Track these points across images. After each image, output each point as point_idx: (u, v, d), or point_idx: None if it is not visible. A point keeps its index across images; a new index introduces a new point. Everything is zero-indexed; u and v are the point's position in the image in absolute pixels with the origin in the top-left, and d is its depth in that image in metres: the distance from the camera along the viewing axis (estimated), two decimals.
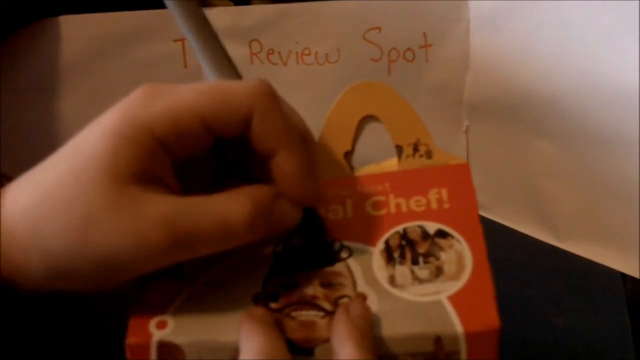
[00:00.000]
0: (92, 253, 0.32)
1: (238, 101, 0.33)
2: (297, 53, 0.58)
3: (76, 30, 0.56)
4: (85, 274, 0.33)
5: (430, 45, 0.58)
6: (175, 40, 0.57)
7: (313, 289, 0.36)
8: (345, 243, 0.38)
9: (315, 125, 0.42)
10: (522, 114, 0.57)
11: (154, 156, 0.33)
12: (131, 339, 0.34)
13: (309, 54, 0.58)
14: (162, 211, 0.32)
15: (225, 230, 0.33)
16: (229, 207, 0.33)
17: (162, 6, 0.56)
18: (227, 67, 0.37)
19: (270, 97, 0.34)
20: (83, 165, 0.33)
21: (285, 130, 0.34)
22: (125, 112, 0.33)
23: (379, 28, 0.58)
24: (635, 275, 0.54)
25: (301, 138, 0.36)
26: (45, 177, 0.34)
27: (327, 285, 0.36)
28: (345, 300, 0.35)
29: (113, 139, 0.32)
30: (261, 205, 0.33)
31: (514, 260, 0.58)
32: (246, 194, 0.34)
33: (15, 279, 0.34)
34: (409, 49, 0.58)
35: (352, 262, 0.37)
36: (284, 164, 0.34)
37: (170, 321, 0.34)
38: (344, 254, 0.37)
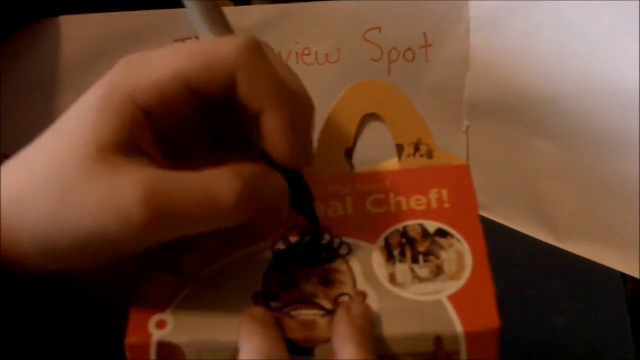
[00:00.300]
0: (72, 226, 0.31)
1: (221, 60, 0.32)
2: (297, 53, 0.58)
3: (76, 30, 0.56)
4: (70, 250, 0.32)
5: (430, 45, 0.58)
6: (175, 40, 0.57)
7: (313, 287, 0.36)
8: (345, 240, 0.38)
9: (315, 125, 0.42)
10: (522, 114, 0.57)
11: (138, 126, 0.32)
12: (131, 339, 0.34)
13: (309, 54, 0.58)
14: (145, 183, 0.31)
15: (214, 207, 0.32)
16: (218, 182, 0.32)
17: (162, 6, 0.56)
18: (218, 19, 0.36)
19: (256, 53, 0.32)
20: (68, 138, 0.32)
21: (271, 87, 0.33)
22: (108, 83, 0.33)
23: (379, 28, 0.58)
24: (635, 275, 0.54)
25: (295, 98, 0.34)
26: (34, 153, 0.34)
27: (327, 283, 0.36)
28: (345, 298, 0.35)
29: (96, 110, 0.32)
30: (251, 181, 0.32)
31: (514, 260, 0.58)
32: (234, 169, 0.32)
33: (11, 261, 0.33)
34: (409, 49, 0.58)
35: (351, 259, 0.37)
36: (269, 122, 0.33)
37: (170, 321, 0.34)
38: (343, 251, 0.37)
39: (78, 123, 0.33)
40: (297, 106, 0.35)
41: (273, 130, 0.33)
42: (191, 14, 0.36)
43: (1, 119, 0.56)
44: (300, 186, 0.37)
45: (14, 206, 0.33)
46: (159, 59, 0.33)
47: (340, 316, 0.33)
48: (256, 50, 0.33)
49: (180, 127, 0.34)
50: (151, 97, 0.32)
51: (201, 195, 0.31)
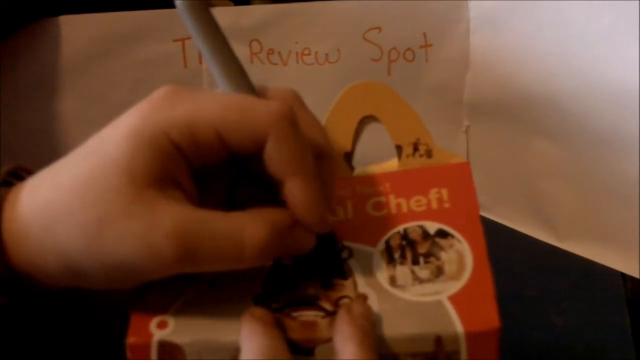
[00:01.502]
0: (104, 256, 0.32)
1: (256, 122, 0.33)
2: (297, 53, 0.58)
3: (76, 30, 0.56)
4: (97, 275, 0.33)
5: (430, 45, 0.58)
6: (175, 40, 0.57)
7: (313, 290, 0.36)
8: (346, 243, 0.38)
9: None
10: (522, 114, 0.57)
11: (171, 160, 0.33)
12: (132, 339, 0.34)
13: (309, 54, 0.58)
14: (176, 222, 0.32)
15: (238, 251, 0.32)
16: (245, 228, 0.33)
17: (162, 6, 0.56)
18: (242, 81, 0.36)
19: (289, 122, 0.33)
20: (102, 165, 0.33)
21: (297, 157, 0.33)
22: (144, 114, 0.33)
23: (379, 28, 0.58)
24: (635, 275, 0.54)
25: (319, 155, 0.35)
26: (64, 174, 0.34)
27: (328, 286, 0.36)
28: (345, 300, 0.35)
29: (131, 141, 0.32)
30: (278, 230, 0.33)
31: (514, 260, 0.58)
32: (264, 216, 0.33)
33: (32, 275, 0.34)
34: (409, 49, 0.58)
35: (352, 263, 0.37)
36: (295, 191, 0.34)
37: (171, 321, 0.34)
38: (344, 255, 0.37)
39: (109, 151, 0.33)
40: (324, 165, 0.36)
41: (298, 201, 0.34)
42: (215, 73, 0.36)
43: (1, 119, 0.56)
44: (329, 246, 0.37)
45: (43, 225, 0.33)
46: (198, 100, 0.33)
47: (342, 316, 0.33)
48: (290, 119, 0.33)
49: (211, 164, 0.35)
50: (183, 136, 0.33)
51: (230, 240, 0.32)
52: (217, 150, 0.33)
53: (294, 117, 0.33)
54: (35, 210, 0.33)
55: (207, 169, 0.35)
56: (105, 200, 0.32)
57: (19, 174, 0.37)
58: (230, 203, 0.35)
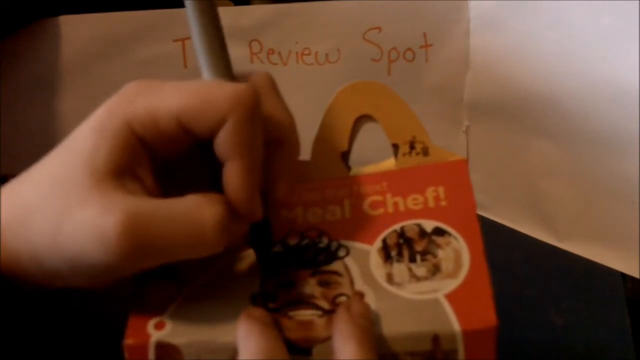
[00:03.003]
0: (65, 251, 0.32)
1: (215, 106, 0.33)
2: (297, 53, 0.58)
3: (76, 30, 0.56)
4: (63, 272, 0.33)
5: (430, 45, 0.58)
6: (175, 40, 0.57)
7: (310, 288, 0.36)
8: (343, 242, 0.38)
9: (315, 125, 0.42)
10: (522, 114, 0.57)
11: (133, 153, 0.33)
12: (129, 340, 0.34)
13: (309, 54, 0.58)
14: (128, 208, 0.31)
15: (199, 232, 0.32)
16: (204, 207, 0.32)
17: (162, 6, 0.56)
18: (222, 66, 0.36)
19: (247, 107, 0.33)
20: (69, 159, 0.33)
21: (244, 142, 0.33)
22: (111, 107, 0.33)
23: (379, 28, 0.58)
24: (635, 275, 0.54)
25: (279, 141, 0.35)
26: (39, 171, 0.34)
27: (325, 284, 0.36)
28: (342, 299, 0.35)
29: (96, 133, 0.33)
30: (229, 212, 0.33)
31: (514, 260, 0.58)
32: (216, 196, 0.33)
33: (9, 275, 0.34)
34: (409, 49, 0.58)
35: (349, 261, 0.37)
36: (229, 175, 0.33)
37: (169, 322, 0.34)
38: (341, 253, 0.37)
39: (78, 144, 0.33)
40: (280, 155, 0.36)
41: (228, 184, 0.34)
42: (198, 54, 0.36)
43: (1, 119, 0.56)
44: (261, 234, 0.37)
45: (18, 224, 0.33)
46: (160, 91, 0.33)
47: (341, 315, 0.33)
48: (248, 104, 0.33)
49: (178, 160, 0.35)
50: (145, 127, 0.33)
51: (185, 221, 0.32)
52: (180, 139, 0.33)
53: (253, 102, 0.33)
54: (10, 208, 0.34)
55: (173, 167, 0.35)
56: (67, 193, 0.32)
57: (7, 180, 0.37)
58: None
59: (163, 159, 0.34)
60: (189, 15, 0.35)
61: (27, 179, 0.35)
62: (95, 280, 0.34)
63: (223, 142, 0.33)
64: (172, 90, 0.33)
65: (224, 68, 0.36)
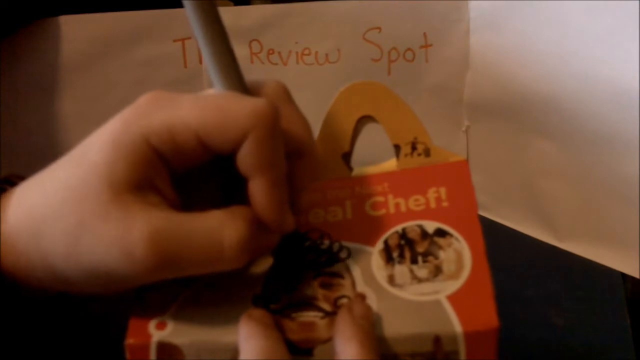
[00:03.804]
0: (83, 262, 0.32)
1: (235, 122, 0.32)
2: (297, 53, 0.58)
3: (76, 30, 0.56)
4: (80, 281, 0.33)
5: (430, 45, 0.58)
6: (175, 40, 0.57)
7: (312, 290, 0.36)
8: (344, 243, 0.38)
9: (315, 125, 0.42)
10: (522, 114, 0.57)
11: (151, 166, 0.33)
12: (131, 340, 0.34)
13: (309, 54, 0.58)
14: (152, 225, 0.32)
15: (218, 250, 0.32)
16: (224, 227, 0.32)
17: (162, 6, 0.56)
18: (235, 79, 0.35)
19: (268, 123, 0.32)
20: (84, 171, 0.33)
21: (266, 159, 0.33)
22: (127, 120, 0.33)
23: (379, 28, 0.58)
24: (635, 275, 0.54)
25: (299, 153, 0.35)
26: (51, 180, 0.34)
27: (326, 285, 0.36)
28: (344, 300, 0.35)
29: (112, 146, 0.33)
30: (252, 228, 0.33)
31: (514, 260, 0.58)
32: (242, 214, 0.33)
33: (19, 280, 0.34)
34: (409, 49, 0.58)
35: (351, 262, 0.37)
36: (255, 191, 0.33)
37: (170, 322, 0.34)
38: (342, 255, 0.37)
39: (91, 157, 0.33)
40: (302, 167, 0.35)
41: (256, 201, 0.33)
42: (209, 67, 0.36)
43: (1, 119, 0.56)
44: (291, 248, 0.37)
45: (30, 230, 0.33)
46: (177, 105, 0.33)
47: (343, 316, 0.33)
48: (270, 120, 0.33)
49: (195, 172, 0.35)
50: (162, 141, 0.33)
51: (207, 237, 0.32)
52: (198, 153, 0.33)
53: (273, 117, 0.33)
54: (22, 215, 0.34)
55: (192, 179, 0.35)
56: (85, 206, 0.32)
57: (12, 181, 0.37)
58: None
59: (181, 171, 0.34)
60: (197, 33, 0.35)
61: (37, 186, 0.34)
62: (111, 288, 0.34)
63: (245, 160, 0.33)
64: (189, 104, 0.33)
65: (237, 81, 0.35)
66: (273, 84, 0.36)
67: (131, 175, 0.32)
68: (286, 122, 0.34)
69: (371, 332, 0.33)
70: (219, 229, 0.32)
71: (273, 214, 0.33)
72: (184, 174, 0.34)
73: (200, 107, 0.33)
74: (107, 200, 0.32)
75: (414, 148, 0.42)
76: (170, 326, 0.34)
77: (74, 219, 0.32)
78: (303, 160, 0.36)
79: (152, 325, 0.34)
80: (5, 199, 0.35)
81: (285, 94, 0.36)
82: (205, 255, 0.32)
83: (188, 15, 0.35)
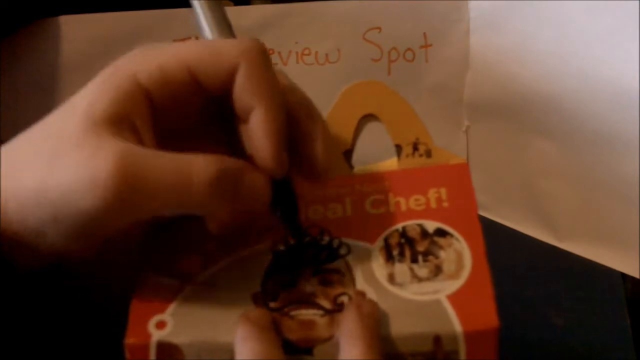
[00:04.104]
0: (53, 195, 0.32)
1: (226, 53, 0.33)
2: (297, 53, 0.58)
3: (76, 30, 0.56)
4: (47, 228, 0.32)
5: (430, 45, 0.58)
6: (175, 40, 0.57)
7: (312, 287, 0.36)
8: (344, 240, 0.38)
9: None
10: (522, 114, 0.57)
11: (134, 102, 0.33)
12: (130, 339, 0.34)
13: (309, 54, 0.58)
14: (119, 154, 0.31)
15: (186, 184, 0.31)
16: (194, 163, 0.32)
17: (162, 6, 0.56)
18: (225, 28, 0.36)
19: (259, 53, 0.33)
20: (68, 110, 0.33)
21: (265, 86, 0.33)
22: (117, 63, 0.34)
23: (379, 28, 0.58)
24: (635, 275, 0.54)
25: (307, 115, 0.36)
26: (35, 127, 0.34)
27: (326, 282, 0.36)
28: (344, 298, 0.35)
29: (98, 84, 0.33)
30: (228, 170, 0.32)
31: (514, 260, 0.58)
32: (216, 156, 0.32)
33: (5, 242, 0.33)
34: (409, 49, 0.58)
35: (351, 259, 0.37)
36: (254, 123, 0.33)
37: (170, 321, 0.34)
38: (342, 251, 0.37)
39: (77, 98, 0.34)
40: (301, 114, 0.36)
41: (258, 132, 0.33)
42: (198, 17, 0.36)
43: (1, 119, 0.56)
44: (286, 195, 0.37)
45: (9, 168, 0.33)
46: (168, 47, 0.34)
47: (351, 314, 0.33)
48: (261, 51, 0.33)
49: (182, 118, 0.35)
50: (153, 78, 0.33)
51: (175, 172, 0.31)
52: (188, 89, 0.33)
53: (264, 50, 0.33)
54: (4, 163, 0.33)
55: (178, 127, 0.35)
56: (60, 135, 0.32)
57: None
58: None
59: (168, 120, 0.34)
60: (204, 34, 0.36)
61: (21, 135, 0.35)
62: (81, 238, 0.33)
63: (241, 90, 0.33)
64: (181, 44, 0.34)
65: (229, 29, 0.37)
66: (251, 38, 0.36)
67: (110, 109, 0.32)
68: (286, 89, 0.35)
69: (377, 331, 0.33)
70: (189, 163, 0.32)
71: (270, 148, 0.33)
72: (173, 128, 0.34)
73: (192, 44, 0.34)
74: (82, 129, 0.32)
75: (415, 149, 0.42)
76: (170, 325, 0.34)
77: (49, 149, 0.32)
78: (312, 120, 0.36)
79: (151, 324, 0.34)
80: None
81: (283, 73, 0.37)
82: (172, 189, 0.31)
83: (195, 15, 0.35)
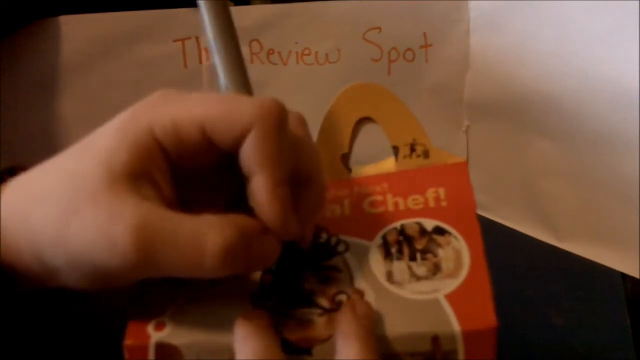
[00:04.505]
0: (70, 248, 0.32)
1: (240, 115, 0.32)
2: (297, 53, 0.58)
3: (76, 30, 0.56)
4: (65, 270, 0.33)
5: (430, 45, 0.58)
6: (175, 40, 0.57)
7: (310, 285, 0.36)
8: (342, 237, 0.38)
9: (315, 125, 0.42)
10: (522, 114, 0.57)
11: (152, 157, 0.33)
12: (129, 340, 0.34)
13: (309, 54, 0.58)
14: (138, 219, 0.31)
15: (198, 258, 0.31)
16: (209, 233, 0.31)
17: (162, 6, 0.56)
18: (242, 80, 0.36)
19: (274, 117, 0.32)
20: (85, 156, 0.33)
21: (269, 155, 0.32)
22: (135, 111, 0.33)
23: (379, 28, 0.58)
24: (635, 275, 0.54)
25: (306, 179, 0.34)
26: (52, 165, 0.34)
27: (324, 280, 0.36)
28: (342, 297, 0.35)
29: (117, 135, 0.32)
30: (244, 238, 0.32)
31: (514, 260, 0.58)
32: (233, 221, 0.32)
33: (12, 269, 0.33)
34: (409, 49, 0.58)
35: (349, 257, 0.37)
36: (258, 187, 0.33)
37: (169, 322, 0.34)
38: (340, 248, 0.37)
39: (97, 142, 0.33)
40: (307, 181, 0.35)
41: (258, 198, 0.33)
42: (217, 66, 0.36)
43: (1, 119, 0.56)
44: (290, 258, 0.36)
45: (25, 210, 0.33)
46: (186, 99, 0.33)
47: (345, 314, 0.33)
48: (277, 115, 0.32)
49: (197, 169, 0.34)
50: (167, 134, 0.32)
51: (189, 242, 0.31)
52: (202, 149, 0.33)
53: (279, 113, 0.32)
54: (19, 201, 0.33)
55: (201, 178, 0.34)
56: (78, 189, 0.32)
57: (17, 172, 0.37)
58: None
59: (185, 170, 0.34)
60: (205, 24, 0.35)
61: (37, 171, 0.34)
62: (95, 283, 0.33)
63: (248, 153, 0.32)
64: (196, 99, 0.33)
65: (246, 85, 0.36)
66: (293, 111, 0.35)
67: (130, 164, 0.32)
68: (297, 144, 0.34)
69: (373, 331, 0.33)
70: (204, 234, 0.31)
71: (274, 214, 0.33)
72: (189, 176, 0.34)
73: (207, 101, 0.33)
74: (101, 186, 0.32)
75: (412, 149, 0.42)
76: (169, 327, 0.34)
77: (66, 202, 0.32)
78: (310, 188, 0.35)
79: (150, 326, 0.34)
80: (3, 188, 0.34)
81: (301, 120, 0.36)
82: (186, 260, 0.31)
83: (202, 17, 0.35)
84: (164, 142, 0.32)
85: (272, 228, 0.33)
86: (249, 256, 0.32)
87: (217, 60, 0.36)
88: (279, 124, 0.32)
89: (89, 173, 0.32)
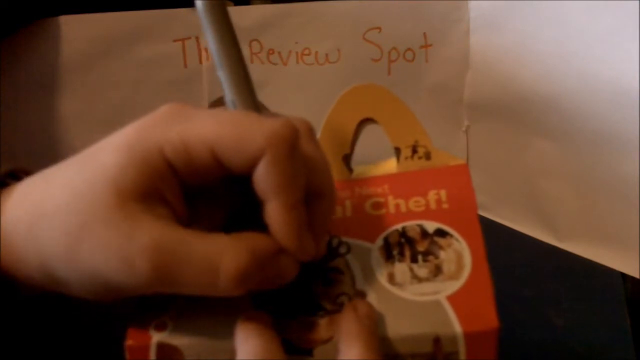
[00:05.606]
0: (81, 265, 0.32)
1: (252, 140, 0.31)
2: (297, 53, 0.58)
3: (76, 30, 0.56)
4: (75, 285, 0.33)
5: (430, 45, 0.58)
6: (175, 40, 0.57)
7: (312, 286, 0.36)
8: (344, 239, 0.38)
9: (315, 125, 0.42)
10: (522, 114, 0.57)
11: (162, 176, 0.32)
12: (130, 341, 0.34)
13: (309, 54, 0.58)
14: (154, 238, 0.31)
15: (213, 278, 0.31)
16: (224, 253, 0.31)
17: (162, 6, 0.56)
18: (250, 97, 0.35)
19: (286, 145, 0.31)
20: (93, 174, 0.32)
21: (284, 180, 0.32)
22: (142, 127, 0.33)
23: (379, 28, 0.58)
24: (635, 275, 0.54)
25: (316, 193, 0.34)
26: (57, 177, 0.34)
27: (326, 282, 0.36)
28: (344, 298, 0.35)
29: (124, 153, 0.32)
30: (259, 259, 0.32)
31: (514, 260, 0.58)
32: (247, 242, 0.32)
33: (16, 277, 0.34)
34: (409, 49, 0.58)
35: (350, 258, 0.37)
36: (274, 214, 0.32)
37: (170, 323, 0.34)
38: (342, 250, 0.37)
39: (102, 160, 0.32)
40: (318, 208, 0.34)
41: (273, 224, 0.32)
42: (222, 82, 0.35)
43: (1, 119, 0.56)
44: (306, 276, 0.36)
45: (33, 224, 0.33)
46: (195, 118, 0.33)
47: (348, 315, 0.33)
48: (288, 141, 0.32)
49: (212, 190, 0.34)
50: (177, 153, 0.32)
51: (204, 264, 0.31)
52: (212, 169, 0.32)
53: (292, 138, 0.32)
54: (22, 211, 0.33)
55: (209, 191, 0.34)
56: (89, 208, 0.32)
57: (17, 175, 0.37)
58: (232, 228, 0.34)
59: (195, 186, 0.33)
60: (210, 40, 0.35)
61: (41, 183, 0.34)
62: (105, 296, 0.33)
63: (261, 181, 0.32)
64: (207, 118, 0.32)
65: (252, 100, 0.35)
66: (301, 119, 0.35)
67: (140, 184, 0.32)
68: (307, 156, 0.34)
69: (375, 331, 0.33)
70: (219, 255, 0.31)
71: (290, 239, 0.32)
72: (199, 190, 0.34)
73: (218, 122, 0.32)
74: (112, 206, 0.31)
75: (414, 151, 0.42)
76: (170, 327, 0.34)
77: (76, 220, 0.32)
78: (321, 202, 0.34)
79: (152, 326, 0.34)
80: (6, 194, 0.34)
81: (309, 131, 0.35)
82: (200, 280, 0.31)
83: (203, 25, 0.35)
84: (173, 162, 0.32)
85: (289, 250, 0.33)
86: (263, 276, 0.32)
87: (223, 76, 0.35)
88: (291, 150, 0.32)
89: (97, 191, 0.32)
